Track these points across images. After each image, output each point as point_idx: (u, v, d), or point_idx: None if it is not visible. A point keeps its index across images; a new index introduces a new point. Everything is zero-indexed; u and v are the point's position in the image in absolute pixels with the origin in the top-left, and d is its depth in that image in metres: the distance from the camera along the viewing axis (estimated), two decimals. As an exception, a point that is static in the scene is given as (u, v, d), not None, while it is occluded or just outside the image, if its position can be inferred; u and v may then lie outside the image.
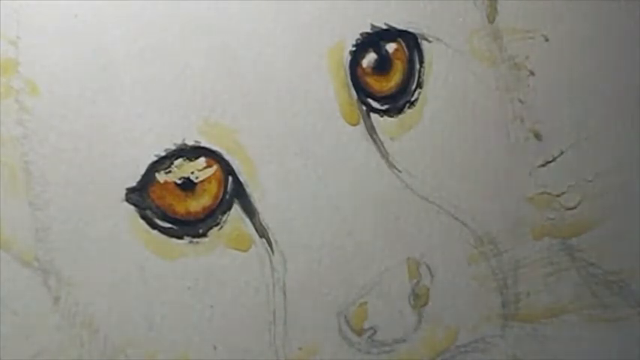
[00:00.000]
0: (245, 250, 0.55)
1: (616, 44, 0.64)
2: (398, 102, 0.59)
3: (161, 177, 0.53)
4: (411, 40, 0.59)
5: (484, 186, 0.61)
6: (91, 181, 0.52)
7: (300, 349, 0.57)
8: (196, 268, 0.55)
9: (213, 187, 0.54)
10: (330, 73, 0.56)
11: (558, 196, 0.64)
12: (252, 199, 0.55)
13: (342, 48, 0.56)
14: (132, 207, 0.53)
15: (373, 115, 0.58)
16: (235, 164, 0.55)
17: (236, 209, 0.55)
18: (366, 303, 0.57)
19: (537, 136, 0.63)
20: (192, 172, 0.54)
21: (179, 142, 0.53)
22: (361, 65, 0.57)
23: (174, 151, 0.53)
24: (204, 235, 0.55)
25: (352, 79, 0.57)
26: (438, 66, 0.59)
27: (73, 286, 0.52)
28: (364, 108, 0.58)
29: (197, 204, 0.54)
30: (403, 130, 0.59)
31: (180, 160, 0.53)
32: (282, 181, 0.56)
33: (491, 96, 0.61)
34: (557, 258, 0.64)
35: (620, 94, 0.65)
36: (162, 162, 0.53)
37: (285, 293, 0.56)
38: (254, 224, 0.55)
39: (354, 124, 0.57)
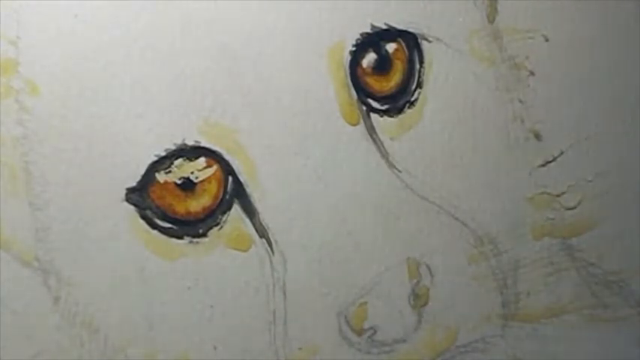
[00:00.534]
0: (245, 250, 0.55)
1: (616, 44, 0.64)
2: (398, 102, 0.59)
3: (161, 177, 0.53)
4: (411, 40, 0.59)
5: (484, 186, 0.61)
6: (91, 181, 0.52)
7: (300, 349, 0.57)
8: (196, 268, 0.55)
9: (213, 187, 0.54)
10: (330, 73, 0.56)
11: (558, 196, 0.64)
12: (252, 199, 0.55)
13: (342, 48, 0.56)
14: (132, 207, 0.53)
15: (373, 115, 0.58)
16: (235, 164, 0.55)
17: (236, 209, 0.55)
18: (366, 303, 0.57)
19: (537, 136, 0.63)
20: (192, 172, 0.54)
21: (179, 142, 0.53)
22: (361, 65, 0.57)
23: (174, 151, 0.53)
24: (204, 235, 0.55)
25: (352, 79, 0.57)
26: (438, 66, 0.59)
27: (73, 286, 0.52)
28: (364, 108, 0.58)
29: (197, 204, 0.54)
30: (403, 130, 0.59)
31: (180, 160, 0.53)
32: (282, 181, 0.56)
33: (491, 96, 0.61)
34: (557, 258, 0.64)
35: (620, 94, 0.65)
36: (163, 162, 0.53)
37: (285, 293, 0.56)
38: (254, 224, 0.55)
39: (354, 124, 0.57)
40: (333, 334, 0.57)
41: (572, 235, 0.64)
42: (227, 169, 0.55)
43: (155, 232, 0.54)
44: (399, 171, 0.59)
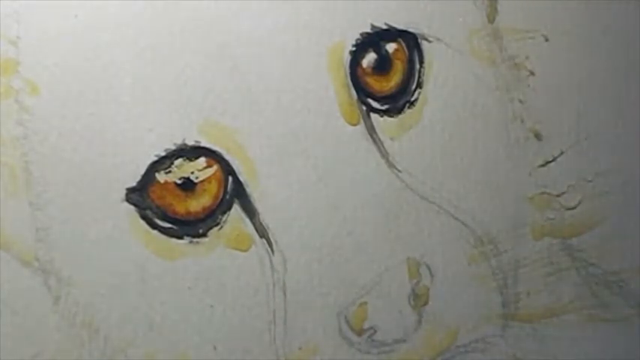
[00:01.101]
0: (245, 250, 0.55)
1: (616, 44, 0.64)
2: (398, 102, 0.59)
3: (161, 177, 0.53)
4: (411, 40, 0.59)
5: (484, 186, 0.61)
6: (91, 181, 0.52)
7: (300, 349, 0.57)
8: (196, 268, 0.55)
9: (213, 187, 0.54)
10: (330, 73, 0.56)
11: (558, 196, 0.64)
12: (252, 199, 0.55)
13: (342, 48, 0.56)
14: (132, 207, 0.53)
15: (373, 115, 0.58)
16: (235, 164, 0.55)
17: (236, 209, 0.55)
18: (366, 303, 0.57)
19: (537, 136, 0.63)
20: (192, 172, 0.54)
21: (179, 142, 0.53)
22: (361, 65, 0.57)
23: (174, 151, 0.53)
24: (204, 235, 0.55)
25: (352, 79, 0.57)
26: (438, 66, 0.59)
27: (73, 286, 0.52)
28: (364, 108, 0.58)
29: (197, 204, 0.54)
30: (403, 130, 0.59)
31: (180, 160, 0.53)
32: (282, 181, 0.56)
33: (491, 96, 0.61)
34: (557, 258, 0.64)
35: (620, 94, 0.65)
36: (162, 162, 0.53)
37: (285, 293, 0.56)
38: (254, 224, 0.55)
39: (354, 124, 0.57)
40: (333, 334, 0.57)
41: (572, 235, 0.64)
42: (227, 169, 0.55)
43: (155, 232, 0.54)
44: (399, 171, 0.59)
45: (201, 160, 0.54)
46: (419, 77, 0.59)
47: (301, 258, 0.57)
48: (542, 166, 0.63)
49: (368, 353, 0.58)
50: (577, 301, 0.64)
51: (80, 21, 0.51)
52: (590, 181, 0.64)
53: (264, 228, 0.55)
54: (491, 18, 0.61)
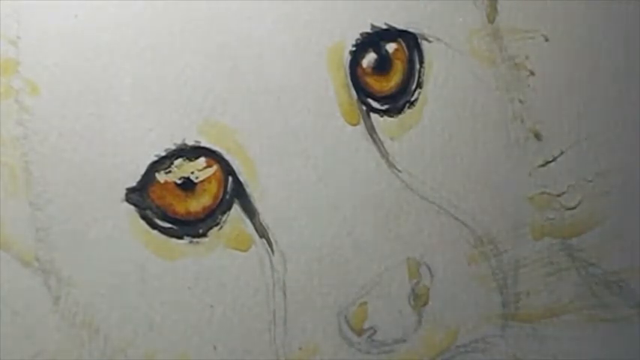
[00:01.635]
0: (245, 250, 0.55)
1: (616, 44, 0.64)
2: (398, 102, 0.59)
3: (161, 177, 0.53)
4: (411, 40, 0.59)
5: (484, 186, 0.61)
6: (91, 181, 0.52)
7: (300, 349, 0.57)
8: (196, 268, 0.55)
9: (213, 187, 0.54)
10: (330, 73, 0.56)
11: (558, 196, 0.64)
12: (252, 199, 0.55)
13: (342, 48, 0.56)
14: (132, 207, 0.53)
15: (373, 115, 0.58)
16: (235, 164, 0.55)
17: (236, 209, 0.55)
18: (366, 303, 0.57)
19: (537, 136, 0.63)
20: (192, 172, 0.54)
21: (179, 142, 0.53)
22: (361, 65, 0.57)
23: (174, 151, 0.53)
24: (204, 235, 0.55)
25: (352, 79, 0.57)
26: (438, 66, 0.59)
27: (73, 286, 0.52)
28: (364, 108, 0.58)
29: (197, 204, 0.54)
30: (403, 130, 0.59)
31: (180, 160, 0.53)
32: (282, 181, 0.56)
33: (491, 96, 0.61)
34: (557, 258, 0.64)
35: (620, 94, 0.65)
36: (163, 162, 0.53)
37: (285, 293, 0.56)
38: (254, 224, 0.55)
39: (354, 124, 0.57)
40: (333, 334, 0.57)
41: (572, 235, 0.64)
42: (227, 169, 0.55)
43: (155, 232, 0.54)
44: (399, 171, 0.59)
45: (201, 160, 0.54)
46: (419, 77, 0.59)
47: (301, 258, 0.57)
48: (542, 166, 0.63)
49: (368, 353, 0.58)
50: (577, 301, 0.64)
51: (80, 21, 0.51)
52: (590, 181, 0.64)
53: (264, 228, 0.55)
54: (491, 18, 0.61)
